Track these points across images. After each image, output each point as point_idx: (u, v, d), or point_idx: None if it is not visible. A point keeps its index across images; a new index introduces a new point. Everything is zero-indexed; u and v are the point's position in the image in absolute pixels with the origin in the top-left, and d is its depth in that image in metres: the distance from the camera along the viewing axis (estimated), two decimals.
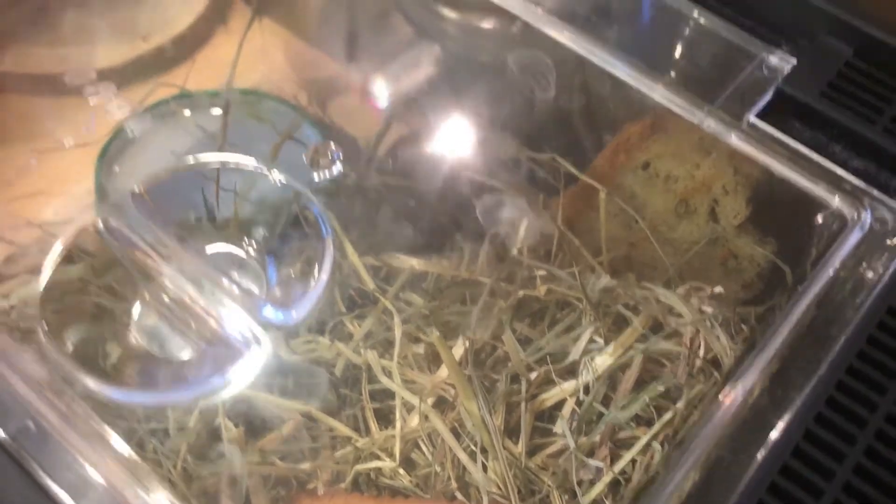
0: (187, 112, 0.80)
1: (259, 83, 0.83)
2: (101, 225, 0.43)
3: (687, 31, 0.47)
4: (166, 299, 0.43)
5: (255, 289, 0.45)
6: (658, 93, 0.46)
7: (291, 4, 0.84)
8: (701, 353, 0.50)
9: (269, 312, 0.46)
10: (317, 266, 0.46)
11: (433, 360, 0.56)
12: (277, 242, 0.48)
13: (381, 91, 0.78)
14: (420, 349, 0.57)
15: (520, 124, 0.60)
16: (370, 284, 0.58)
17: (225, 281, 0.44)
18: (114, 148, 0.76)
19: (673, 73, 0.46)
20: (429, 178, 0.68)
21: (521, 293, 0.57)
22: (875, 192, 0.43)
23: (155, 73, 0.85)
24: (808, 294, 0.41)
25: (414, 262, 0.59)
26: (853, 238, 0.42)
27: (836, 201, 0.43)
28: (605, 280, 0.53)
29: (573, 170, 0.59)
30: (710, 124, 0.45)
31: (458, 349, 0.55)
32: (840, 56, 0.45)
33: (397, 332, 0.56)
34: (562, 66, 0.52)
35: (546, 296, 0.56)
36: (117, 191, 0.73)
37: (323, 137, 0.77)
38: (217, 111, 0.80)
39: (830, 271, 0.41)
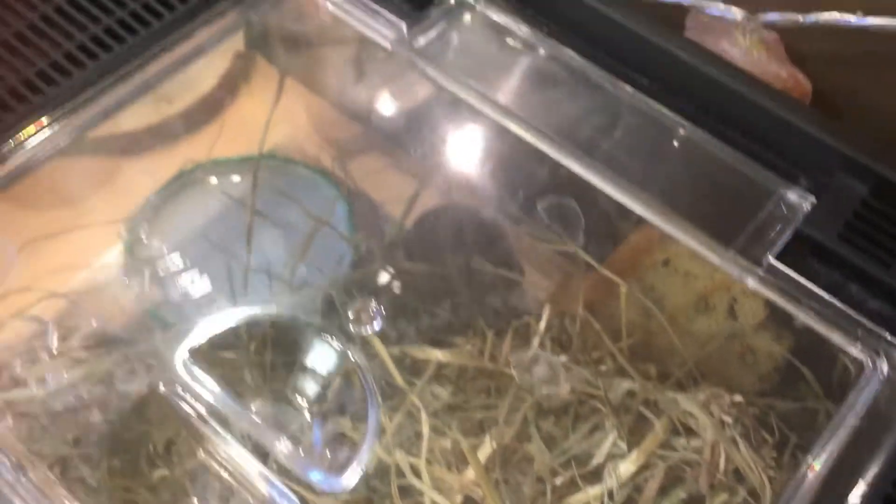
0: (214, 180, 0.81)
1: (282, 144, 0.84)
2: (161, 388, 0.45)
3: (703, 163, 0.48)
4: (210, 460, 0.44)
5: (300, 451, 0.46)
6: (674, 229, 0.47)
7: (315, 64, 0.85)
8: (722, 464, 0.51)
9: (317, 477, 0.47)
10: (365, 427, 0.47)
11: (460, 455, 0.58)
12: (324, 400, 0.49)
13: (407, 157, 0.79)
14: (447, 443, 0.59)
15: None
16: (399, 380, 0.59)
17: (270, 440, 0.45)
18: (140, 217, 0.77)
19: (687, 208, 0.47)
20: (451, 260, 0.69)
21: (544, 391, 0.58)
22: (888, 336, 0.44)
23: (181, 135, 0.86)
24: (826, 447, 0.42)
25: (439, 355, 0.61)
26: (872, 386, 0.43)
27: (853, 348, 0.44)
28: (627, 384, 0.55)
29: (594, 263, 0.60)
30: (729, 267, 0.46)
31: (486, 448, 0.56)
32: (856, 195, 0.46)
33: (425, 430, 0.57)
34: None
35: (570, 395, 0.58)
36: (144, 261, 0.75)
37: (348, 206, 0.79)
38: (237, 179, 0.81)
39: (850, 421, 0.42)
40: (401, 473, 0.57)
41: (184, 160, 0.81)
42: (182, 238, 0.77)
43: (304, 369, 0.50)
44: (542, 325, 0.63)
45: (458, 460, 0.58)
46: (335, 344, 0.50)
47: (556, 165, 0.50)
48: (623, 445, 0.54)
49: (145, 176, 0.82)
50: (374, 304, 0.52)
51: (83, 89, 0.56)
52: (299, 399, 0.50)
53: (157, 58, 0.62)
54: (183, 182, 0.79)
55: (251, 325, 0.54)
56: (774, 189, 0.48)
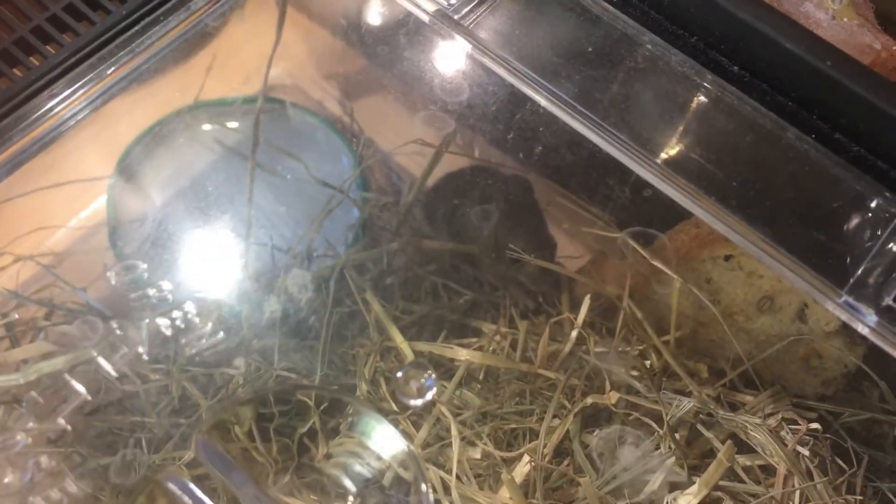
0: (205, 125, 0.73)
1: (279, 81, 0.76)
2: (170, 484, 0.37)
3: (803, 174, 0.40)
4: None
5: None
6: (773, 262, 0.39)
7: None
8: (796, 500, 0.46)
9: None
10: None
11: (491, 468, 0.52)
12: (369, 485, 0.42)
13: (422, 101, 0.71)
14: (477, 454, 0.53)
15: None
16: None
17: None
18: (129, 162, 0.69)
19: (786, 236, 0.39)
20: (476, 238, 0.62)
21: (588, 400, 0.52)
22: None
23: (166, 67, 0.77)
24: None
25: (470, 356, 0.54)
26: None
27: None
28: (688, 405, 0.48)
29: (644, 253, 0.53)
30: (839, 311, 0.38)
31: (523, 467, 0.51)
32: None
33: (455, 446, 0.51)
34: None
35: (617, 405, 0.51)
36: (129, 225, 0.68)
37: (356, 159, 0.71)
38: (237, 124, 0.73)
39: None
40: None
41: (171, 97, 0.73)
42: (170, 194, 0.69)
43: (344, 446, 0.43)
44: (580, 319, 0.56)
45: (492, 476, 0.52)
46: (381, 419, 0.42)
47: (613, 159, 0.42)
48: (682, 473, 0.48)
49: (130, 113, 0.73)
50: (428, 374, 0.44)
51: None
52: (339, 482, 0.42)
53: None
54: (170, 128, 0.71)
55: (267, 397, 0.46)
56: (890, 212, 0.40)
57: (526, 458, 0.50)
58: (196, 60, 0.75)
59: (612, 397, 0.52)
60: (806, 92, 0.42)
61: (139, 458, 0.41)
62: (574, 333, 0.56)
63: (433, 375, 0.44)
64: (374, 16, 0.70)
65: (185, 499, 0.35)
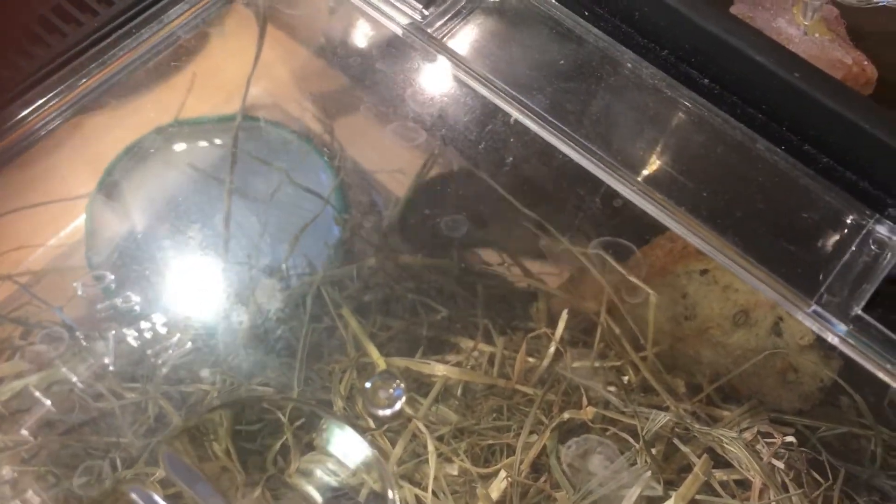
0: (182, 144, 0.73)
1: (259, 100, 0.76)
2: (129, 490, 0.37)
3: (770, 185, 0.41)
4: None
5: None
6: (741, 271, 0.39)
7: (298, 9, 0.75)
8: None
9: None
10: None
11: (468, 484, 0.52)
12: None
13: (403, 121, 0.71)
14: (454, 471, 0.52)
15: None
16: (405, 407, 0.52)
17: None
18: (103, 189, 0.69)
19: (756, 246, 0.39)
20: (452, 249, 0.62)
21: (565, 416, 0.52)
22: None
23: (146, 86, 0.77)
24: None
25: (447, 371, 0.54)
26: None
27: None
28: (663, 418, 0.48)
29: (619, 268, 0.53)
30: (809, 321, 0.38)
31: (500, 483, 0.50)
32: None
33: (431, 462, 0.51)
34: None
35: (594, 420, 0.51)
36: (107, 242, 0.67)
37: (336, 176, 0.71)
38: (216, 141, 0.74)
39: None
40: None
41: (150, 117, 0.73)
42: (149, 214, 0.69)
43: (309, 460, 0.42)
44: (558, 334, 0.56)
45: (468, 492, 0.52)
46: (347, 428, 0.42)
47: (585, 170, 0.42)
48: (658, 487, 0.48)
49: (109, 133, 0.73)
50: (396, 383, 0.44)
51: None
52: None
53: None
54: (149, 145, 0.71)
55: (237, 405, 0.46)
56: (859, 222, 0.40)
57: (503, 473, 0.50)
58: (177, 80, 0.76)
59: (589, 412, 0.52)
60: (775, 104, 0.42)
61: (107, 474, 0.41)
62: (552, 349, 0.56)
63: (402, 385, 0.44)
64: (354, 34, 0.70)
65: None
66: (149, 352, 0.48)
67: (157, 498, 0.35)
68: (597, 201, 0.48)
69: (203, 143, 0.71)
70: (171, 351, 0.54)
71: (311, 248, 0.64)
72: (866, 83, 0.54)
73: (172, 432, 0.40)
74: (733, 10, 0.57)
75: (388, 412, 0.44)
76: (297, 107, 0.76)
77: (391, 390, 0.43)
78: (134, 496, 0.35)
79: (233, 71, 0.74)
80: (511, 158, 0.50)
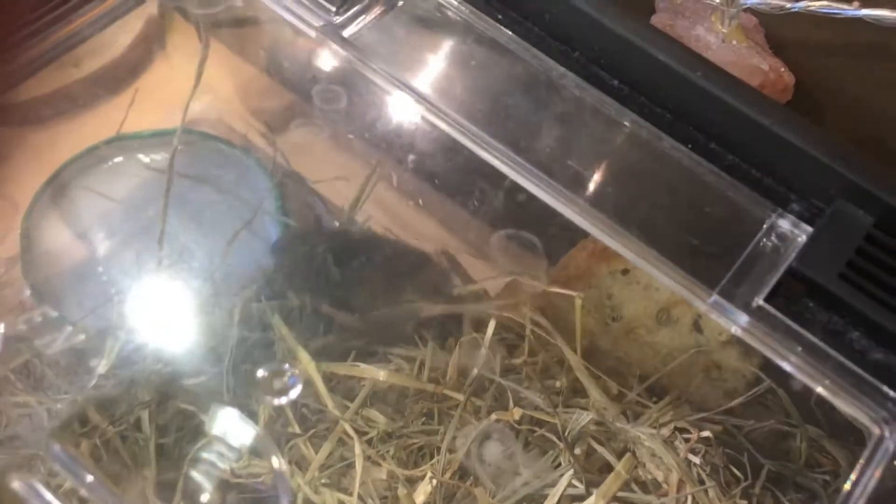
0: (120, 159, 0.73)
1: (203, 115, 0.76)
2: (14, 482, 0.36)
3: (678, 181, 0.41)
4: None
5: None
6: (643, 262, 0.40)
7: (241, 26, 0.76)
8: None
9: None
10: None
11: (395, 489, 0.52)
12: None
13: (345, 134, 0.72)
14: (382, 474, 0.53)
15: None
16: (330, 405, 0.53)
17: None
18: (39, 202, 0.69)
19: (661, 238, 0.40)
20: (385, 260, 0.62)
21: (493, 417, 0.52)
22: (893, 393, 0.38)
23: (89, 104, 0.78)
24: None
25: (377, 374, 0.54)
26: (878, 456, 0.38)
27: (853, 409, 0.38)
28: (587, 418, 0.49)
29: (541, 285, 0.54)
30: (711, 310, 0.39)
31: (426, 485, 0.51)
32: (860, 227, 0.39)
33: (358, 465, 0.51)
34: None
35: (520, 422, 0.52)
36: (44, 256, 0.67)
37: (274, 185, 0.71)
38: (155, 156, 0.74)
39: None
40: None
41: (91, 132, 0.73)
42: (87, 226, 0.69)
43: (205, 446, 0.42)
44: (487, 338, 0.56)
45: (396, 498, 0.52)
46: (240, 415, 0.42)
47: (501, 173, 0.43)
48: (580, 486, 0.48)
49: (47, 150, 0.74)
50: (287, 369, 0.44)
51: None
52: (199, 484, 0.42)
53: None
54: (88, 161, 0.71)
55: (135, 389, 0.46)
56: (763, 216, 0.41)
57: (429, 474, 0.50)
58: (118, 99, 0.76)
59: (516, 413, 0.53)
60: (681, 103, 0.43)
61: None
62: (483, 352, 0.56)
63: (296, 373, 0.44)
64: (291, 48, 0.71)
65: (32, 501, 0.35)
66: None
67: (40, 488, 0.35)
68: (500, 196, 0.48)
69: (142, 157, 0.72)
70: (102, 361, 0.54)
71: (248, 256, 0.64)
72: (784, 89, 0.55)
73: (58, 421, 0.40)
74: (654, 19, 0.58)
75: (283, 400, 0.44)
76: (241, 121, 0.77)
77: (285, 379, 0.43)
78: (16, 486, 0.34)
79: (176, 88, 0.74)
80: (415, 157, 0.50)
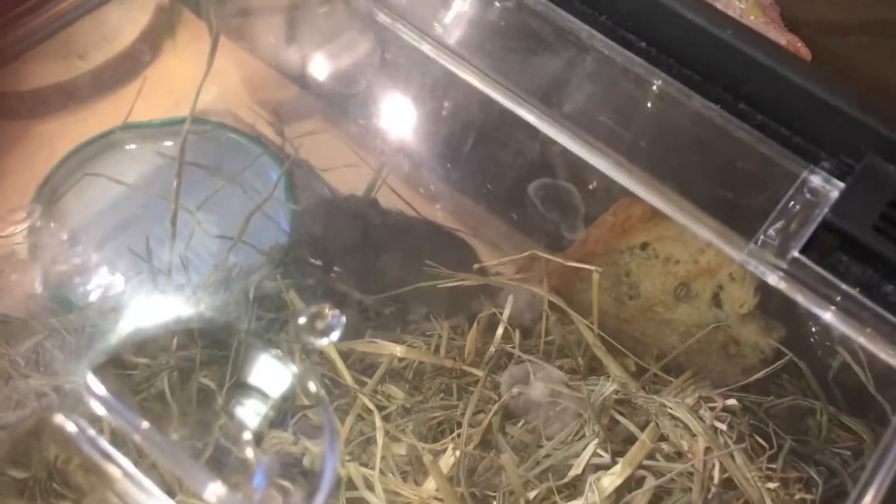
0: (132, 146, 0.73)
1: (211, 106, 0.76)
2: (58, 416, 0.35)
3: (711, 139, 0.41)
4: None
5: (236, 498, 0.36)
6: (684, 218, 0.40)
7: (249, 18, 0.76)
8: (716, 474, 0.46)
9: None
10: (323, 464, 0.39)
11: (416, 462, 0.51)
12: (266, 429, 0.41)
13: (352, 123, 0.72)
14: (402, 450, 0.52)
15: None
16: (349, 380, 0.52)
17: (199, 483, 0.36)
18: (49, 187, 0.68)
19: (698, 194, 0.40)
20: (405, 239, 0.62)
21: (514, 390, 0.52)
22: None
23: (95, 96, 0.77)
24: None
25: (395, 349, 0.54)
26: None
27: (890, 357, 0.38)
28: (610, 388, 0.48)
29: (557, 259, 0.53)
30: (751, 263, 0.39)
31: (448, 457, 0.50)
32: (892, 181, 0.39)
33: (379, 438, 0.50)
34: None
35: (542, 396, 0.51)
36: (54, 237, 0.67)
37: (286, 177, 0.71)
38: (167, 143, 0.73)
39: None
40: (351, 485, 0.50)
41: (98, 123, 0.73)
42: (95, 213, 0.68)
43: (243, 391, 0.41)
44: (506, 315, 0.56)
45: (417, 470, 0.51)
46: (281, 359, 0.41)
47: (534, 136, 0.43)
48: (606, 455, 0.48)
49: (55, 140, 0.73)
50: (329, 310, 0.43)
51: None
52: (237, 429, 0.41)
53: None
54: (97, 148, 0.71)
55: (173, 333, 0.45)
56: (795, 172, 0.41)
57: (451, 447, 0.50)
58: (125, 91, 0.76)
59: (537, 389, 0.52)
60: (709, 63, 0.43)
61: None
62: (500, 330, 0.56)
63: (339, 314, 0.43)
64: (304, 41, 0.71)
65: (74, 434, 0.34)
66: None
67: (83, 422, 0.34)
68: (536, 147, 0.48)
69: (151, 146, 0.71)
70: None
71: (262, 241, 0.64)
72: None
73: (102, 361, 0.39)
74: None
75: (325, 341, 0.43)
76: (249, 111, 0.77)
77: (329, 320, 0.42)
78: (58, 421, 0.34)
79: (184, 79, 0.74)
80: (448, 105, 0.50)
